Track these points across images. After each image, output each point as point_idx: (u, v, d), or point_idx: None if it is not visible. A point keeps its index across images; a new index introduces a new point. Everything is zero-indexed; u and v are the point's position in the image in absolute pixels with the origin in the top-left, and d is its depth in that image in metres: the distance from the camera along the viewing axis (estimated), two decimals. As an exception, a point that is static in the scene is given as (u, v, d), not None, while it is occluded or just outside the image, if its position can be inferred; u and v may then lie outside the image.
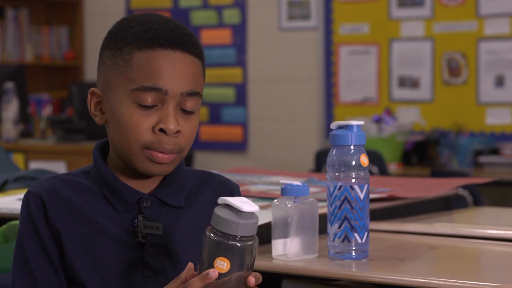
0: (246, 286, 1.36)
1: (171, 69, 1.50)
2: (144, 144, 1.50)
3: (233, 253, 1.34)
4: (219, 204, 1.38)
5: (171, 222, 1.55)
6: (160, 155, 1.50)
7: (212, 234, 1.35)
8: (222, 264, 1.34)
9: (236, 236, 1.34)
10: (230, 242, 1.34)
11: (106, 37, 1.56)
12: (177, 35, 1.52)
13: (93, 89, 1.57)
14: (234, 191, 1.63)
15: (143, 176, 1.55)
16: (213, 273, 1.33)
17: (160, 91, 1.49)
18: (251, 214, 1.36)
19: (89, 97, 1.57)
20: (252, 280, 1.36)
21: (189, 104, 1.52)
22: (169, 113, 1.49)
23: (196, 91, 1.52)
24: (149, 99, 1.49)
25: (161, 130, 1.49)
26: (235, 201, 1.36)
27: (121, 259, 1.52)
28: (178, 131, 1.50)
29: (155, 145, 1.50)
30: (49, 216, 1.51)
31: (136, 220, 1.53)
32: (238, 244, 1.34)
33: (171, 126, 1.49)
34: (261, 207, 2.18)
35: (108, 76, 1.53)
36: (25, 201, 1.54)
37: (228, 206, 1.36)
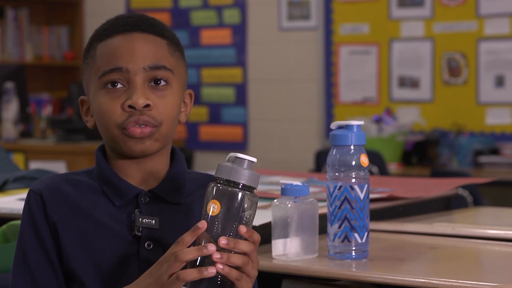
0: (239, 236, 1.39)
1: (129, 48, 1.54)
2: (119, 124, 1.53)
3: (222, 196, 1.39)
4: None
5: (168, 217, 1.56)
6: (138, 130, 1.52)
7: (211, 183, 1.41)
8: (214, 207, 1.39)
9: (228, 181, 1.39)
10: (219, 185, 1.39)
11: None
12: (133, 19, 1.58)
13: (81, 97, 1.63)
14: None
15: (142, 172, 1.57)
16: (201, 224, 1.37)
17: (121, 70, 1.53)
18: (249, 165, 1.40)
19: (80, 106, 1.63)
20: (242, 228, 1.38)
21: (157, 77, 1.54)
22: (136, 89, 1.52)
23: (160, 64, 1.55)
24: (114, 81, 1.53)
25: (130, 106, 1.52)
26: (240, 154, 1.42)
27: (117, 253, 1.53)
28: (148, 105, 1.52)
29: (129, 121, 1.52)
30: (48, 211, 1.54)
31: (133, 215, 1.54)
32: (229, 188, 1.39)
33: (139, 100, 1.51)
34: (261, 207, 2.18)
35: (86, 79, 1.60)
36: (27, 199, 1.57)
37: (236, 157, 1.42)
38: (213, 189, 1.40)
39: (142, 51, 1.54)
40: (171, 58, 1.57)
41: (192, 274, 1.36)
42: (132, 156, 1.56)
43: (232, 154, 1.42)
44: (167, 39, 1.58)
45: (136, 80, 1.53)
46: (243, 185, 1.39)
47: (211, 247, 1.36)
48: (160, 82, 1.54)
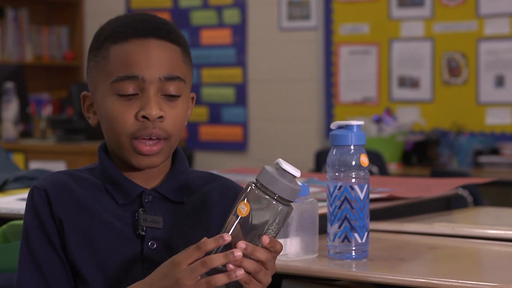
0: (260, 243, 1.38)
1: (145, 56, 1.52)
2: (130, 134, 1.51)
3: (255, 200, 1.37)
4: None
5: (172, 217, 1.56)
6: (147, 148, 1.52)
7: (251, 183, 1.40)
8: (243, 208, 1.38)
9: (266, 188, 1.37)
10: (256, 189, 1.38)
11: (91, 41, 1.61)
12: (149, 24, 1.55)
13: (84, 92, 1.61)
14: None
15: (144, 173, 1.56)
16: (227, 236, 1.36)
17: (137, 79, 1.51)
18: (291, 179, 1.38)
19: (82, 101, 1.61)
20: (265, 238, 1.37)
21: (171, 89, 1.53)
22: (150, 99, 1.51)
23: (175, 75, 1.53)
24: (128, 88, 1.51)
25: (144, 117, 1.51)
26: (286, 164, 1.39)
27: (121, 252, 1.53)
28: (161, 116, 1.51)
29: (141, 132, 1.51)
30: (53, 208, 1.53)
31: (136, 214, 1.54)
32: (264, 195, 1.37)
33: (153, 111, 1.50)
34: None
35: (93, 76, 1.57)
36: (30, 195, 1.56)
37: (280, 167, 1.40)
38: (249, 190, 1.38)
39: (158, 60, 1.52)
40: (184, 66, 1.56)
41: (222, 279, 1.36)
42: (136, 168, 1.55)
43: (280, 161, 1.40)
44: (181, 46, 1.56)
45: (151, 90, 1.51)
46: (279, 197, 1.38)
47: (237, 253, 1.36)
48: (172, 93, 1.53)
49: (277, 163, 1.40)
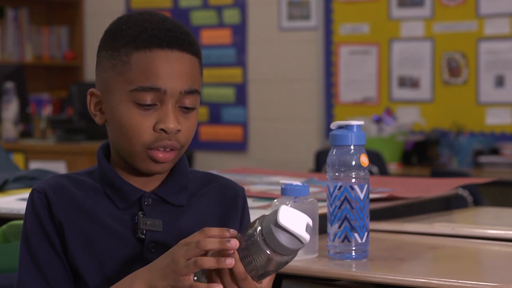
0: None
1: (169, 68, 1.51)
2: (146, 144, 1.51)
3: (248, 239, 1.37)
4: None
5: (172, 220, 1.56)
6: (161, 154, 1.52)
7: (261, 218, 1.38)
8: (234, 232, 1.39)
9: (264, 238, 1.36)
10: (254, 233, 1.37)
11: (103, 37, 1.57)
12: (173, 34, 1.53)
13: (92, 89, 1.58)
14: (239, 194, 1.63)
15: (145, 174, 1.56)
16: (233, 231, 1.38)
17: (159, 91, 1.50)
18: (289, 235, 1.36)
19: (88, 97, 1.59)
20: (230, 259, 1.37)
21: (188, 102, 1.53)
22: (169, 112, 1.51)
23: (194, 89, 1.53)
24: (148, 99, 1.50)
25: (162, 129, 1.51)
26: (286, 218, 1.36)
27: (121, 255, 1.53)
28: (178, 130, 1.52)
29: (157, 144, 1.51)
30: (53, 210, 1.53)
31: (136, 217, 1.54)
32: (258, 241, 1.36)
33: (171, 125, 1.50)
34: (261, 207, 2.18)
35: (107, 77, 1.54)
36: (30, 199, 1.55)
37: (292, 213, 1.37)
38: (254, 223, 1.38)
39: (181, 74, 1.51)
40: (200, 78, 1.56)
41: (209, 263, 1.37)
42: (145, 173, 1.56)
43: (281, 214, 1.36)
44: (199, 58, 1.56)
45: (170, 103, 1.51)
46: (273, 250, 1.36)
47: (234, 243, 1.36)
48: (189, 106, 1.53)
49: (291, 211, 1.38)
